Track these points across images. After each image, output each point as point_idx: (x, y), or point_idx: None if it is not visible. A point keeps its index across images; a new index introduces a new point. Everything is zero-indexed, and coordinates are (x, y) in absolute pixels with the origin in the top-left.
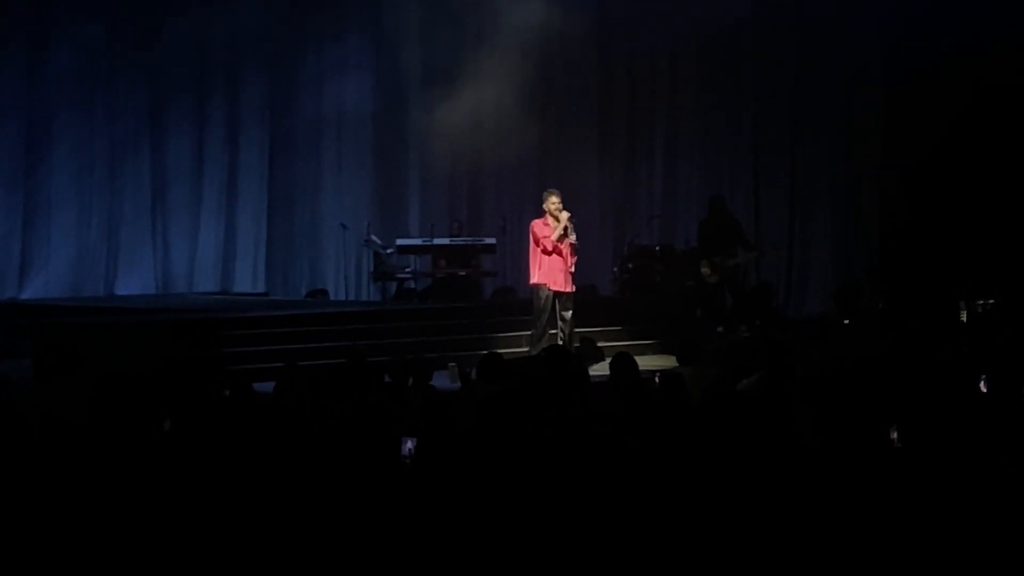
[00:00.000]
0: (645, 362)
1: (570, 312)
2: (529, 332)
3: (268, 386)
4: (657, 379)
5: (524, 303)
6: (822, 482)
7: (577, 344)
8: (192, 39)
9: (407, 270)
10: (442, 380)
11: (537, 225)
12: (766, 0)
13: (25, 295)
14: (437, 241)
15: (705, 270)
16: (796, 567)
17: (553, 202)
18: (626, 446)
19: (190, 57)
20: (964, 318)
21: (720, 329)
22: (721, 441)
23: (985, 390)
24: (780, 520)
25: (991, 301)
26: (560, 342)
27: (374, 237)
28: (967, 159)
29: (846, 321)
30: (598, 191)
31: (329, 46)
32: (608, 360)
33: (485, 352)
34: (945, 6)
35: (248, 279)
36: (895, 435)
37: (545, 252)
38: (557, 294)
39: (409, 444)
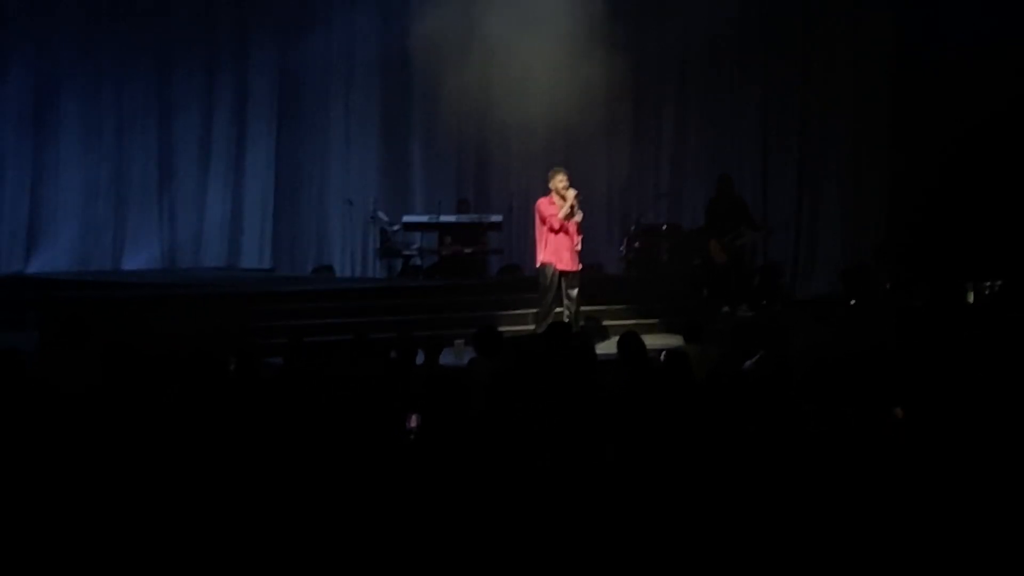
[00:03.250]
0: (650, 340)
1: (576, 290)
2: (535, 310)
3: (274, 361)
4: (662, 357)
5: (530, 281)
6: (823, 461)
7: (582, 323)
8: (200, 12)
9: (413, 247)
10: (448, 357)
11: (543, 204)
12: None
13: (32, 269)
14: (443, 218)
15: (714, 249)
16: (796, 546)
17: (560, 180)
18: (629, 424)
19: (198, 31)
20: (971, 299)
21: (726, 309)
22: (724, 419)
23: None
24: (782, 500)
25: (998, 282)
26: (566, 320)
27: (380, 214)
28: (976, 140)
29: (852, 302)
30: (605, 169)
31: (337, 22)
32: (613, 339)
33: (480, 328)
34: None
35: (255, 254)
36: (900, 412)
37: (551, 231)
38: (563, 273)
39: (414, 420)
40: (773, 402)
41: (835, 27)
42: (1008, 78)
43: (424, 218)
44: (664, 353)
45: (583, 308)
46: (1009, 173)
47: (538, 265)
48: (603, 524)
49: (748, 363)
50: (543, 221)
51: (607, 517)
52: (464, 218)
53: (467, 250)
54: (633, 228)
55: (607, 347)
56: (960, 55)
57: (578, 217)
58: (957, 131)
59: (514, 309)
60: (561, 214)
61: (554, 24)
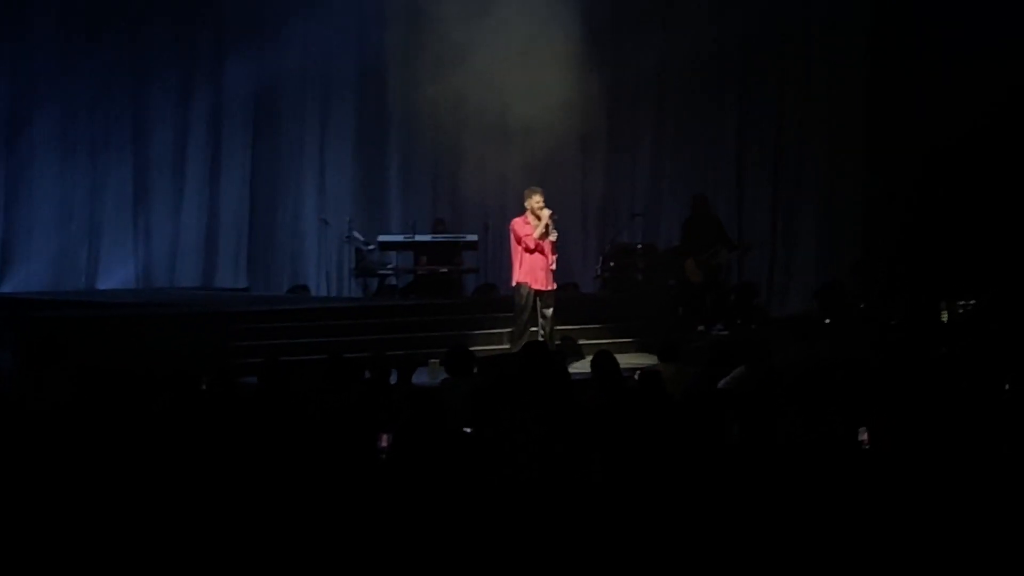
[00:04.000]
0: (626, 360)
1: (551, 310)
2: (510, 330)
3: (249, 381)
4: (636, 377)
5: (505, 300)
6: (797, 479)
7: (558, 342)
8: (175, 32)
9: (389, 266)
10: (423, 377)
11: (518, 223)
12: (751, 7)
13: (6, 288)
14: (419, 238)
15: (690, 268)
16: (771, 560)
17: (536, 200)
18: (606, 442)
19: (172, 50)
20: (945, 318)
21: (701, 328)
22: (699, 438)
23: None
24: (757, 516)
25: (972, 302)
26: (541, 339)
27: (356, 233)
28: (950, 160)
29: (827, 320)
30: (580, 189)
31: (312, 43)
32: (588, 358)
33: (452, 347)
34: (930, 10)
35: (229, 274)
36: (864, 436)
37: (527, 250)
38: (538, 292)
39: (385, 440)
40: (752, 419)
41: (810, 48)
42: (983, 99)
43: (399, 237)
44: (638, 373)
45: (558, 327)
46: (983, 193)
47: (513, 284)
48: (581, 542)
49: (723, 382)
50: (518, 241)
51: (585, 535)
52: (439, 237)
53: (442, 269)
54: (608, 248)
55: (582, 366)
56: (935, 76)
57: (553, 236)
58: (932, 151)
59: (489, 328)
60: (536, 233)
61: (531, 45)
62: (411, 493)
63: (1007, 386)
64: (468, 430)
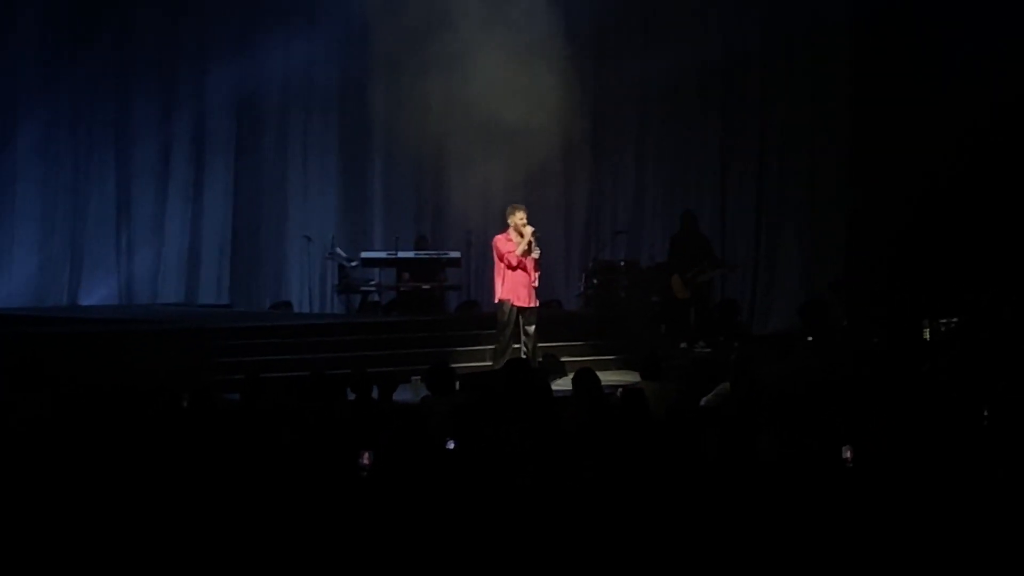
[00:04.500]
0: (608, 377)
1: (533, 327)
2: (493, 347)
3: (231, 397)
4: (619, 394)
5: (488, 317)
6: (780, 497)
7: (540, 359)
8: (158, 47)
9: (371, 283)
10: (405, 393)
11: (500, 240)
12: (733, 25)
13: None
14: (402, 254)
15: (676, 285)
16: None
17: (519, 217)
18: (588, 461)
19: (156, 65)
20: (927, 336)
21: (683, 345)
22: (682, 456)
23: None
24: (738, 534)
25: (954, 320)
26: (523, 356)
27: (339, 250)
28: (933, 178)
29: (810, 338)
30: (563, 206)
31: (295, 59)
32: (571, 375)
33: (433, 364)
34: (912, 31)
35: (212, 290)
36: (848, 454)
37: (509, 267)
38: (521, 309)
39: (367, 457)
40: (734, 437)
41: (793, 66)
42: (966, 118)
43: (382, 254)
44: (621, 390)
45: (541, 344)
46: (966, 212)
47: (496, 301)
48: (563, 557)
49: (706, 399)
50: (501, 258)
51: (567, 551)
52: (422, 254)
53: (425, 286)
54: (591, 265)
55: (564, 383)
56: (918, 96)
57: (536, 254)
58: (915, 169)
59: (472, 345)
60: (519, 250)
61: (514, 64)
62: (393, 509)
63: (986, 412)
64: (451, 446)
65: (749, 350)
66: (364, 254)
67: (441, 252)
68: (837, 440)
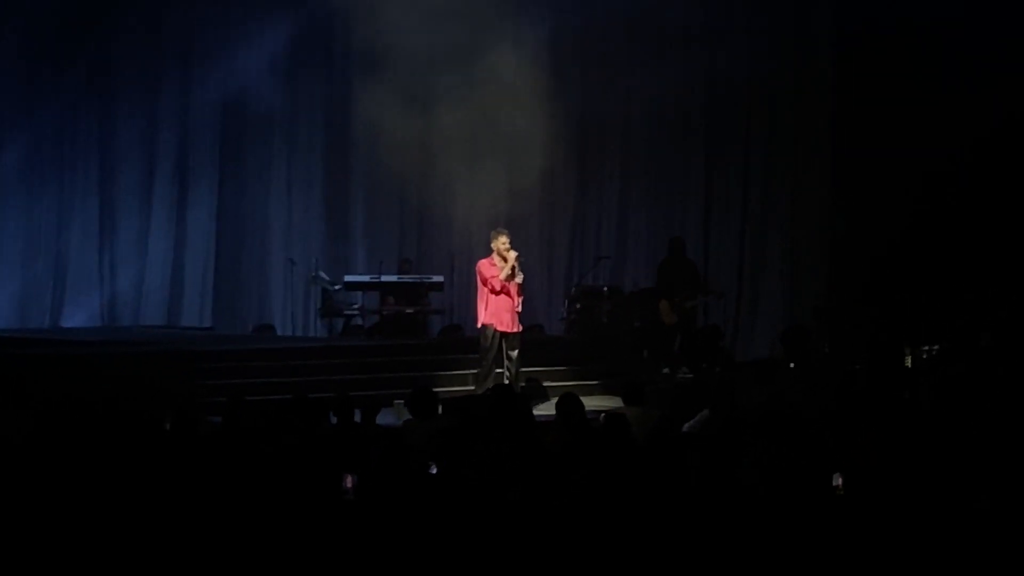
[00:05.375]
0: (591, 402)
1: (516, 352)
2: (475, 371)
3: (214, 420)
4: (602, 419)
5: (471, 341)
6: (762, 523)
7: (523, 384)
8: (143, 68)
9: (354, 307)
10: (388, 417)
11: (484, 265)
12: (717, 54)
13: None
14: (385, 278)
15: (664, 310)
16: None
17: (502, 242)
18: (571, 486)
19: (140, 87)
20: (909, 363)
21: (666, 370)
22: (664, 481)
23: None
24: (719, 560)
25: (936, 347)
26: (506, 381)
27: (322, 273)
28: (916, 205)
29: (792, 364)
30: (547, 231)
31: (280, 82)
32: (554, 400)
33: (414, 389)
34: (894, 61)
35: (195, 313)
36: (839, 482)
37: (493, 292)
38: (504, 334)
39: (350, 480)
40: (716, 463)
41: (775, 93)
42: (948, 144)
43: (366, 278)
44: (604, 415)
45: (523, 369)
46: (948, 239)
47: (479, 326)
48: None
49: (688, 425)
50: (484, 282)
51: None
52: (406, 278)
53: (408, 310)
54: (574, 290)
55: (547, 408)
56: (900, 122)
57: (519, 278)
58: (897, 197)
59: (455, 369)
60: (503, 275)
61: (498, 87)
62: (376, 533)
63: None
64: (434, 470)
65: (731, 376)
66: (347, 278)
67: (424, 276)
68: (821, 466)
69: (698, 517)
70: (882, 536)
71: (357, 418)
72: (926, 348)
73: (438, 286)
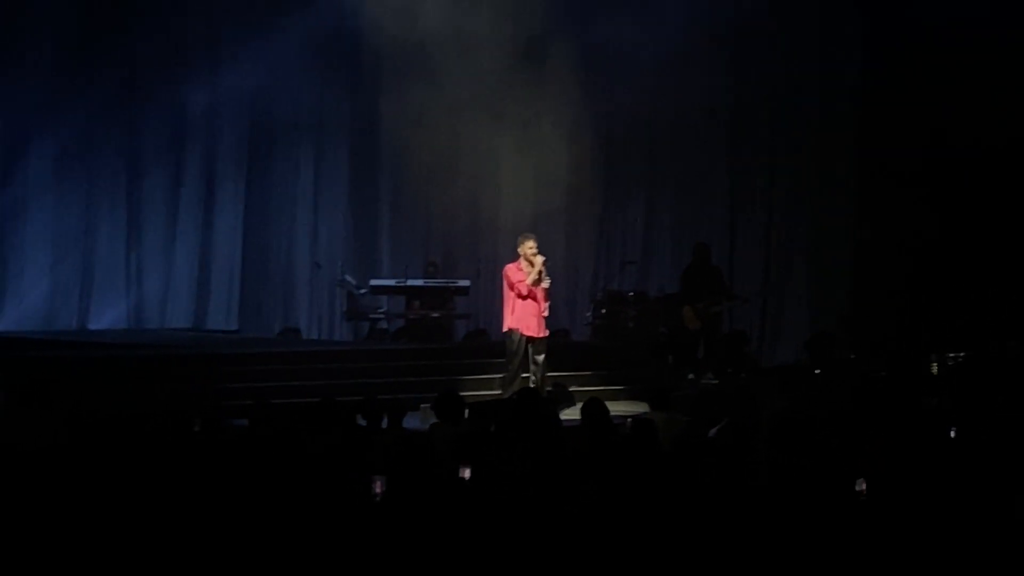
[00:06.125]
0: (616, 408)
1: (542, 356)
2: (501, 375)
3: (239, 423)
4: (628, 424)
5: (496, 346)
6: (787, 531)
7: (549, 388)
8: (171, 74)
9: (380, 310)
10: (414, 421)
11: (510, 269)
12: (743, 61)
13: None
14: (411, 282)
15: (688, 316)
16: None
17: (529, 247)
18: (594, 491)
19: (168, 92)
20: (935, 371)
21: (691, 376)
22: (690, 487)
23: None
24: (746, 568)
25: (962, 354)
26: (532, 386)
27: (348, 277)
28: (941, 212)
29: (817, 371)
30: (573, 236)
31: (307, 87)
32: (579, 405)
33: (441, 392)
34: (919, 70)
35: (221, 316)
36: (862, 487)
37: (519, 296)
38: (530, 338)
39: (379, 485)
40: (739, 469)
41: (802, 100)
42: (974, 150)
43: (391, 282)
44: (631, 420)
45: (549, 374)
46: (975, 245)
47: (505, 330)
48: None
49: (713, 431)
50: (511, 287)
51: None
52: (431, 282)
53: (434, 314)
54: (600, 295)
55: (572, 413)
56: (925, 128)
57: (546, 283)
58: (922, 204)
59: (480, 374)
60: (529, 280)
61: (524, 92)
62: (404, 536)
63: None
64: (466, 475)
65: (754, 383)
66: (373, 281)
67: (450, 280)
68: (841, 472)
69: (717, 522)
70: (905, 542)
71: (384, 422)
72: (952, 355)
73: (464, 290)
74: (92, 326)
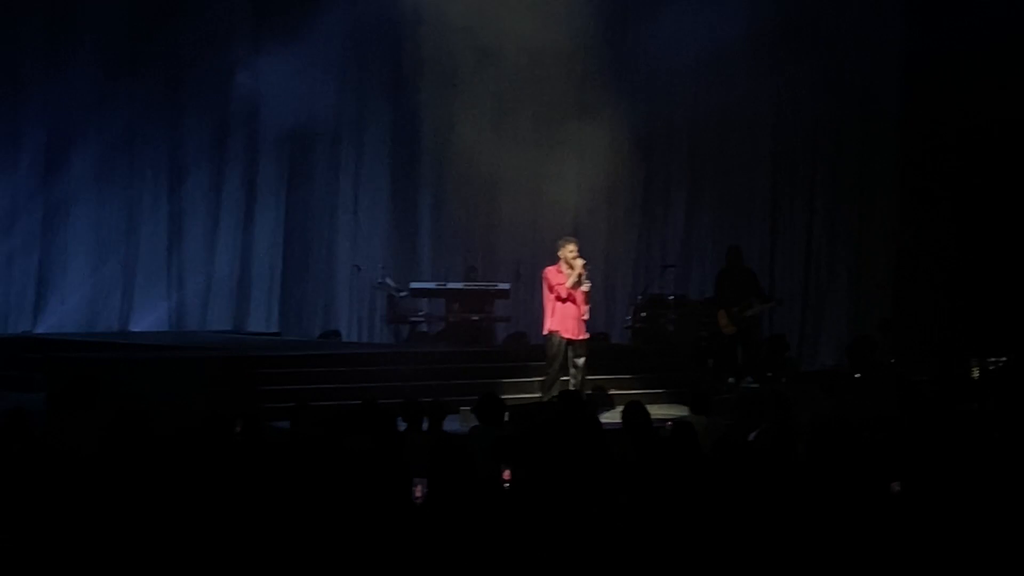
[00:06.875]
0: (656, 411)
1: (582, 359)
2: (541, 378)
3: (280, 425)
4: (669, 427)
5: (536, 349)
6: (826, 534)
7: (589, 391)
8: (212, 76)
9: (420, 313)
10: (454, 424)
11: (551, 272)
12: (785, 64)
13: (40, 329)
14: (451, 285)
15: (722, 320)
16: None
17: (570, 250)
18: (635, 495)
19: (210, 94)
20: (976, 375)
21: (731, 380)
22: (730, 491)
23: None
24: (785, 571)
25: (1003, 359)
26: (572, 389)
27: (388, 280)
28: (982, 217)
29: (857, 375)
30: (613, 240)
31: (348, 89)
32: (619, 408)
33: (482, 395)
34: (960, 69)
35: (261, 319)
36: (897, 488)
37: (559, 299)
38: (570, 341)
39: (419, 489)
40: (778, 474)
41: (843, 100)
42: (1015, 157)
43: (431, 284)
44: (671, 423)
45: (589, 377)
46: (1015, 251)
47: (545, 333)
48: None
49: (753, 435)
50: (551, 290)
51: None
52: (471, 285)
53: (474, 317)
54: (640, 298)
55: (612, 416)
56: (966, 134)
57: (586, 286)
58: (963, 208)
59: (520, 377)
60: (569, 283)
61: (564, 96)
62: (445, 541)
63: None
64: (507, 481)
65: (794, 387)
66: (413, 284)
67: (490, 284)
68: (878, 475)
69: (757, 525)
70: (945, 546)
71: (424, 425)
72: (993, 360)
73: (504, 294)
74: (133, 328)
